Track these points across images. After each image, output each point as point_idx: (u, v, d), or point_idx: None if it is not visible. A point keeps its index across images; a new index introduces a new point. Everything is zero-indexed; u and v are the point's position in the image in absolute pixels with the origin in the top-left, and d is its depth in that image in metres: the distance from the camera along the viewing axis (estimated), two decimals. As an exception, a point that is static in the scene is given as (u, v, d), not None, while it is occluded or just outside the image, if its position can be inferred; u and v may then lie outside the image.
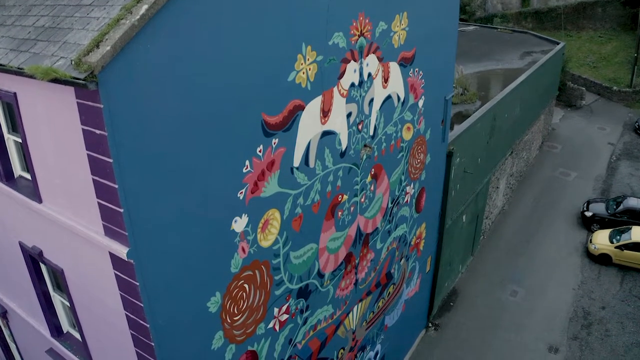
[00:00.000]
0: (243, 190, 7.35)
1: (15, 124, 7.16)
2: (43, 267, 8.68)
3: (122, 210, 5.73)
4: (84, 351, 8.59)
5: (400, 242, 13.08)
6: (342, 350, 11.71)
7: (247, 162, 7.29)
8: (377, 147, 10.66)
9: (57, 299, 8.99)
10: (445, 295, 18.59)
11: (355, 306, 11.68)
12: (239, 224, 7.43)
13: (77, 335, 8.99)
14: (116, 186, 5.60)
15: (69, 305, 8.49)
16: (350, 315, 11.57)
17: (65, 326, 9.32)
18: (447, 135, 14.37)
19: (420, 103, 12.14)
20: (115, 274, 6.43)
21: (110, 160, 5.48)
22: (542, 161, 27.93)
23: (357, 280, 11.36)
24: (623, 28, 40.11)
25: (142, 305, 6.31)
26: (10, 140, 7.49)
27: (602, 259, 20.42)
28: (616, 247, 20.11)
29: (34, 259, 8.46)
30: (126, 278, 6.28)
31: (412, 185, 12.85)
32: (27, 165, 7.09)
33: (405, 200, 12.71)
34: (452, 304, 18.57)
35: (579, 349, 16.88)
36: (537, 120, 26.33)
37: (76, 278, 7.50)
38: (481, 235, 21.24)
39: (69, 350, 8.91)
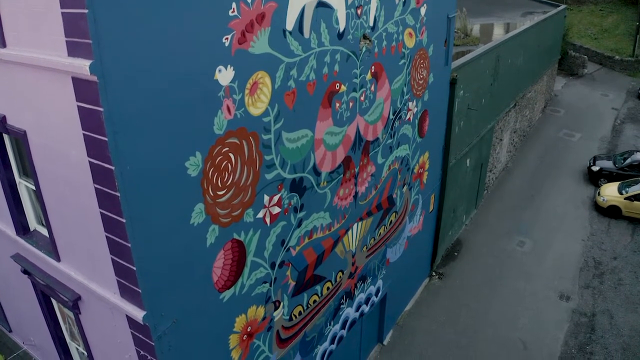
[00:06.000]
0: (229, 37, 6.46)
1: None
2: (7, 142, 7.78)
3: (86, 11, 4.85)
4: (50, 245, 7.65)
5: (403, 164, 12.19)
6: (340, 274, 10.77)
7: (234, 5, 6.42)
8: (377, 42, 9.82)
9: (23, 187, 8.06)
10: (449, 245, 17.69)
11: (355, 224, 10.77)
12: (224, 75, 6.54)
13: (45, 232, 8.06)
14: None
15: (34, 189, 7.59)
16: (350, 233, 10.65)
17: (33, 224, 8.38)
18: (450, 59, 13.57)
19: (423, 11, 11.36)
20: (78, 107, 5.52)
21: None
22: (545, 123, 27.15)
23: (356, 193, 10.45)
24: (624, 2, 39.55)
25: (105, 139, 5.39)
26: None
27: (611, 212, 19.59)
28: (625, 199, 19.30)
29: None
30: (90, 107, 5.36)
31: (414, 103, 11.99)
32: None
33: (408, 117, 11.85)
34: (456, 254, 17.66)
35: (591, 297, 15.99)
36: (540, 80, 25.56)
37: (39, 138, 6.57)
38: (485, 189, 20.38)
39: (35, 247, 7.97)
